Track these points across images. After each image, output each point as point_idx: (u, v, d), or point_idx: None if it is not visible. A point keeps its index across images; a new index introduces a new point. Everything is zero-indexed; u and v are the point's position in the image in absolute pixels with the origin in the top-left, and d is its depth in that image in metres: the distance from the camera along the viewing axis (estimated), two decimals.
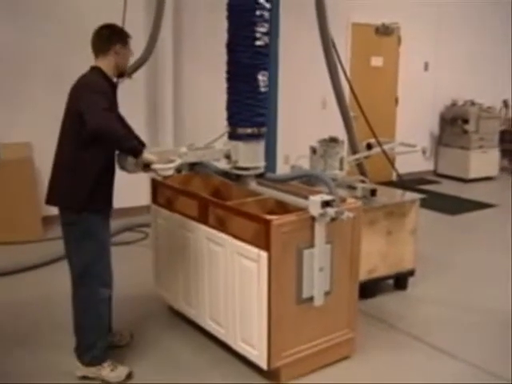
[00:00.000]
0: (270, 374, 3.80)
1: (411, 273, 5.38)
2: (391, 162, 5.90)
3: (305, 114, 8.87)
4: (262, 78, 4.08)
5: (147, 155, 3.57)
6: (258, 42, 4.03)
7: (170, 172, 3.78)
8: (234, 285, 3.83)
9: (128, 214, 6.89)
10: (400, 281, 5.38)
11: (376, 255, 5.02)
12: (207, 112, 7.73)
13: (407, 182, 7.25)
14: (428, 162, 11.12)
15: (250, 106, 4.10)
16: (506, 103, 11.38)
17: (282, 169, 6.99)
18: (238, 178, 4.25)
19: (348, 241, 3.95)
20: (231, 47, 4.11)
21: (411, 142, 6.20)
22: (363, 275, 4.52)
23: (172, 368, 3.99)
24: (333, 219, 3.61)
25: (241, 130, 4.12)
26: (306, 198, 3.73)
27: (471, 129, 10.51)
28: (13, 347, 4.21)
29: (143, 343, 4.26)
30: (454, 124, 10.76)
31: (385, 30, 9.71)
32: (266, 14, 4.04)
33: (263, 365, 3.72)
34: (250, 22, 3.98)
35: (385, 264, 5.12)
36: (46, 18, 6.78)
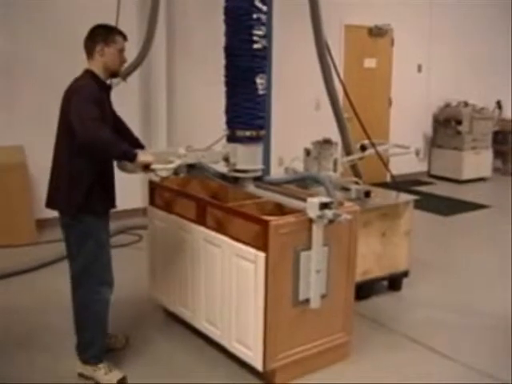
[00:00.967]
0: (265, 375, 3.80)
1: (405, 274, 5.39)
2: (385, 164, 5.91)
3: (299, 115, 8.87)
4: (260, 81, 4.10)
5: (143, 157, 3.59)
6: (256, 46, 4.04)
7: (169, 173, 3.79)
8: (230, 286, 3.84)
9: (121, 217, 6.88)
10: (394, 282, 5.39)
11: (370, 256, 5.04)
12: (201, 115, 7.76)
13: (401, 184, 7.27)
14: (421, 163, 11.15)
15: (249, 109, 4.11)
16: (499, 104, 11.43)
17: (276, 171, 7.00)
18: (236, 180, 4.26)
19: (345, 244, 3.97)
20: (229, 51, 4.12)
21: (405, 144, 6.22)
22: (358, 276, 4.52)
23: (167, 370, 3.99)
24: (330, 221, 3.61)
25: (240, 133, 4.12)
26: (303, 200, 3.74)
27: (464, 130, 10.55)
28: (8, 350, 4.20)
29: (138, 346, 4.26)
30: (447, 125, 10.79)
31: (378, 32, 9.76)
32: (263, 17, 4.05)
33: (258, 366, 3.72)
34: (247, 25, 4.00)
35: (379, 265, 5.14)
36: (38, 22, 6.77)
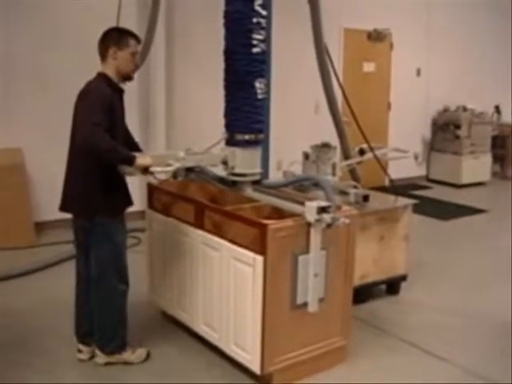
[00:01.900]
0: (263, 378, 3.80)
1: (403, 278, 5.39)
2: (383, 168, 5.92)
3: (297, 119, 8.88)
4: (259, 85, 4.12)
5: (141, 161, 3.66)
6: (255, 50, 4.06)
7: (168, 175, 3.82)
8: (228, 289, 3.84)
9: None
10: (392, 286, 5.39)
11: (368, 260, 5.04)
12: (200, 117, 7.76)
13: (399, 188, 7.26)
14: (420, 167, 11.15)
15: (248, 113, 4.13)
16: (497, 108, 11.44)
17: (274, 174, 6.99)
18: (234, 184, 4.27)
19: (343, 248, 3.96)
20: (228, 55, 4.14)
21: (403, 148, 6.23)
22: (356, 280, 4.53)
23: (165, 373, 3.99)
24: (329, 225, 3.62)
25: (238, 136, 4.14)
26: (302, 204, 3.74)
27: (463, 134, 10.55)
28: (5, 353, 4.20)
29: (136, 348, 4.25)
30: (446, 129, 10.80)
31: (377, 36, 9.75)
32: (263, 22, 4.08)
33: (256, 369, 3.72)
34: (246, 29, 4.02)
35: (377, 269, 5.14)
36: (38, 23, 6.77)
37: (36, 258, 5.93)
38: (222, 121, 4.29)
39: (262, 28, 4.08)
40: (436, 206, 9.16)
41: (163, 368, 4.05)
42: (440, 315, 5.03)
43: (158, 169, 3.76)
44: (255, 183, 4.30)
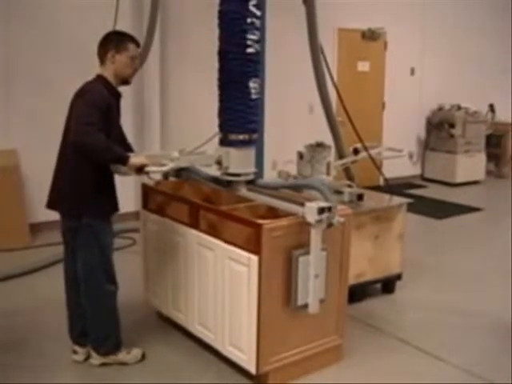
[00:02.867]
0: (259, 378, 3.80)
1: (398, 277, 5.41)
2: (378, 167, 5.93)
3: (292, 119, 8.89)
4: (253, 85, 4.12)
5: (135, 160, 3.66)
6: (250, 50, 4.06)
7: (162, 175, 3.82)
8: (223, 289, 3.84)
9: (114, 221, 6.88)
10: (387, 285, 5.40)
11: (363, 259, 5.05)
12: (194, 118, 7.75)
13: (394, 187, 7.28)
14: (415, 166, 11.17)
15: (242, 113, 4.13)
16: (492, 107, 11.46)
17: (269, 174, 7.00)
18: (228, 184, 4.27)
19: (338, 247, 3.96)
20: (222, 55, 4.14)
21: (398, 147, 6.23)
22: (351, 279, 4.53)
23: (160, 373, 3.99)
24: (329, 226, 3.61)
25: (232, 136, 4.15)
26: (299, 204, 3.74)
27: (457, 133, 10.58)
28: (1, 354, 4.19)
29: (131, 348, 4.25)
30: (440, 128, 10.82)
31: (371, 35, 9.77)
32: (257, 22, 4.08)
33: (252, 369, 3.73)
34: (241, 29, 4.02)
35: (372, 268, 5.15)
36: (33, 26, 6.76)
37: (31, 259, 5.92)
38: (217, 122, 4.29)
39: (257, 28, 4.09)
40: (431, 204, 9.18)
41: (158, 368, 4.05)
42: (435, 314, 5.04)
43: (153, 168, 3.77)
44: (249, 183, 4.30)
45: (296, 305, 3.72)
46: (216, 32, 4.17)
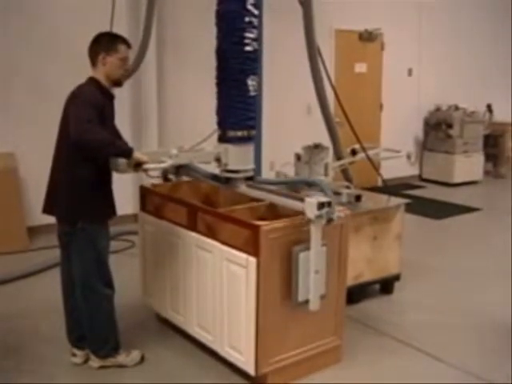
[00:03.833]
0: (257, 379, 3.80)
1: (397, 277, 5.40)
2: (376, 168, 5.93)
3: (290, 120, 8.89)
4: (251, 82, 4.12)
5: (139, 155, 3.67)
6: (248, 48, 4.07)
7: (160, 172, 3.81)
8: (222, 291, 3.84)
9: (112, 223, 6.87)
10: (386, 285, 5.40)
11: (362, 260, 5.05)
12: (192, 118, 7.75)
13: (392, 188, 7.29)
14: (413, 167, 11.17)
15: (240, 110, 4.13)
16: (489, 107, 11.47)
17: (267, 175, 7.01)
18: (227, 180, 4.27)
19: (336, 248, 3.96)
20: (220, 53, 4.14)
21: (396, 148, 6.24)
22: (349, 280, 4.54)
23: (159, 375, 3.99)
24: (329, 221, 3.60)
25: (231, 133, 4.14)
26: (299, 200, 3.74)
27: (455, 133, 10.58)
28: None
29: (130, 350, 4.26)
30: (438, 129, 10.83)
31: (368, 36, 9.79)
32: (255, 21, 4.08)
33: (250, 371, 3.73)
34: (239, 28, 4.02)
35: (370, 269, 5.15)
36: (29, 29, 6.77)
37: (29, 262, 5.91)
38: (215, 123, 4.29)
39: (254, 27, 4.09)
40: (429, 205, 9.18)
41: (157, 370, 4.05)
42: (434, 314, 5.04)
43: (151, 165, 3.77)
44: (249, 180, 4.30)
45: (297, 301, 3.70)
46: (213, 32, 4.17)
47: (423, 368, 4.17)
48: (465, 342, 4.56)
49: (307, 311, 3.73)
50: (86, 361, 4.08)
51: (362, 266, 5.06)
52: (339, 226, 3.88)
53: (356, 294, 5.09)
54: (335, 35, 9.47)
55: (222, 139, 4.21)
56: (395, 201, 5.41)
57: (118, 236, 6.70)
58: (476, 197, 10.00)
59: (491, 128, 11.33)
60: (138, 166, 3.69)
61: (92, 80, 3.82)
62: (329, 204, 3.58)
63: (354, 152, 5.68)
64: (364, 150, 5.56)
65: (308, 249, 3.65)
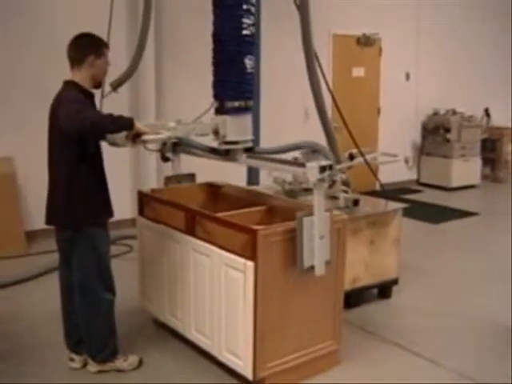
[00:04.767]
0: (255, 383, 3.80)
1: (395, 281, 5.41)
2: (373, 172, 5.93)
3: (287, 125, 8.87)
4: (248, 61, 4.12)
5: (140, 126, 3.70)
6: (245, 32, 4.07)
7: (158, 145, 3.81)
8: (219, 295, 3.85)
9: (110, 228, 6.87)
10: (384, 289, 5.41)
11: (359, 264, 5.05)
12: (190, 119, 7.75)
13: (390, 192, 7.30)
14: (411, 171, 11.17)
15: (237, 83, 4.11)
16: (487, 112, 11.49)
17: (265, 181, 7.01)
18: (227, 153, 4.24)
19: (334, 252, 3.93)
20: (217, 37, 4.13)
21: (393, 152, 6.24)
22: (347, 284, 4.54)
23: (157, 380, 3.99)
24: (331, 185, 3.60)
25: (228, 104, 4.12)
26: (301, 165, 3.72)
27: (453, 138, 10.59)
28: None
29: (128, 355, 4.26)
30: (435, 133, 10.84)
31: (366, 41, 9.81)
32: (252, 9, 4.10)
33: (248, 375, 3.73)
34: (237, 14, 4.03)
35: (368, 273, 5.15)
36: (26, 31, 6.79)
37: (28, 266, 5.91)
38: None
39: (252, 14, 4.11)
40: (427, 209, 9.19)
41: (156, 375, 4.05)
42: (432, 318, 5.04)
43: (150, 136, 3.78)
44: (248, 151, 4.27)
45: (302, 267, 3.67)
46: (210, 30, 4.17)
47: (421, 372, 4.17)
48: (463, 346, 4.57)
49: (306, 313, 3.73)
50: (84, 365, 4.08)
51: (359, 270, 5.06)
52: (337, 232, 3.88)
53: (354, 298, 5.10)
54: (333, 39, 9.49)
55: (220, 111, 4.17)
56: (393, 205, 5.42)
57: (116, 241, 6.68)
58: (474, 201, 10.01)
59: (489, 132, 11.34)
60: (136, 137, 3.68)
61: (69, 84, 3.79)
62: (330, 167, 3.57)
63: (351, 156, 5.68)
64: (362, 154, 5.57)
65: (311, 214, 3.64)
